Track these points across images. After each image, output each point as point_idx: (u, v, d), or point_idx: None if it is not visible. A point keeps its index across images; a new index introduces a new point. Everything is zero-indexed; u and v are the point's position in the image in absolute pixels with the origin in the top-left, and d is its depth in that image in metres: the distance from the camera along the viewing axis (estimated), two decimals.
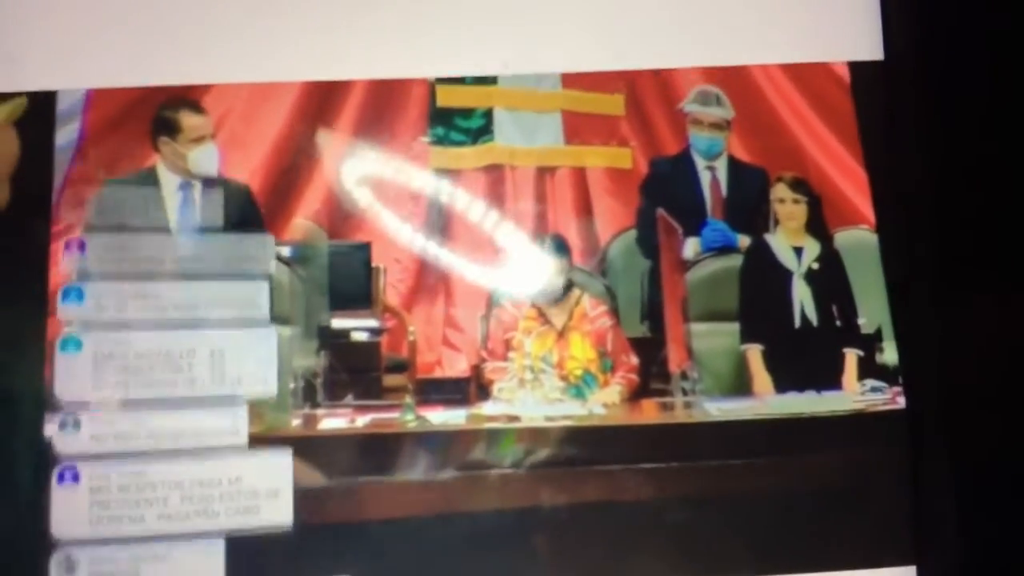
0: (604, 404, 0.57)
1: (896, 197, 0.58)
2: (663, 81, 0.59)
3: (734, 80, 0.59)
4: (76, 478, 0.51)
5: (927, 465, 0.56)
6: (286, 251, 0.56)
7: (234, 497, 0.52)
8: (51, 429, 0.52)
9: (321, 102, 0.57)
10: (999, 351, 0.57)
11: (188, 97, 0.56)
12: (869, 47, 0.59)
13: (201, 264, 0.54)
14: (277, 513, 0.52)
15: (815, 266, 0.59)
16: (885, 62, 0.59)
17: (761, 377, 0.58)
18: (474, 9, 0.57)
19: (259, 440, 0.53)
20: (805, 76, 0.59)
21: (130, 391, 0.52)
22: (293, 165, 0.56)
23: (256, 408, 0.54)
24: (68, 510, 0.51)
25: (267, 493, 0.52)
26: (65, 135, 0.55)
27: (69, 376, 0.52)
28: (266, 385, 0.53)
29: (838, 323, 0.59)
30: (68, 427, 0.51)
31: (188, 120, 0.56)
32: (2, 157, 0.53)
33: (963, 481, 0.55)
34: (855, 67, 0.59)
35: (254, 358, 0.53)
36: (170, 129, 0.56)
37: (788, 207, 0.59)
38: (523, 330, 0.58)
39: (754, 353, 0.58)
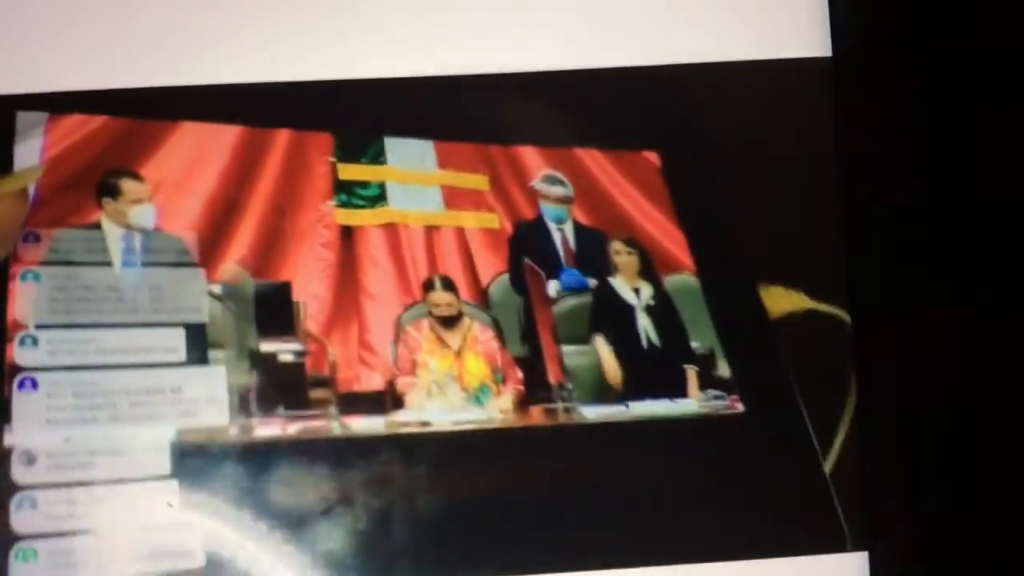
0: (500, 410, 0.67)
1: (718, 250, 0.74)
2: (516, 166, 0.73)
3: (571, 165, 0.74)
4: (35, 386, 0.57)
5: (877, 450, 0.65)
6: (217, 289, 0.64)
7: (177, 403, 0.60)
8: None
9: (244, 170, 0.68)
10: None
11: (128, 168, 0.66)
12: (817, 44, 0.72)
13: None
14: (216, 417, 0.61)
15: (652, 302, 0.73)
16: (833, 59, 0.71)
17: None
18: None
19: (197, 449, 0.61)
20: (626, 162, 0.75)
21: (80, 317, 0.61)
22: (222, 220, 0.66)
23: None
24: (28, 413, 0.59)
25: (206, 400, 0.60)
26: None
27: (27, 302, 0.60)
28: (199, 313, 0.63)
29: (676, 345, 0.72)
30: (27, 344, 0.57)
31: (128, 186, 0.65)
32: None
33: (914, 465, 0.63)
34: (662, 157, 0.76)
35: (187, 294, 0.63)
36: (112, 192, 0.65)
37: (623, 258, 0.73)
38: (426, 351, 0.67)
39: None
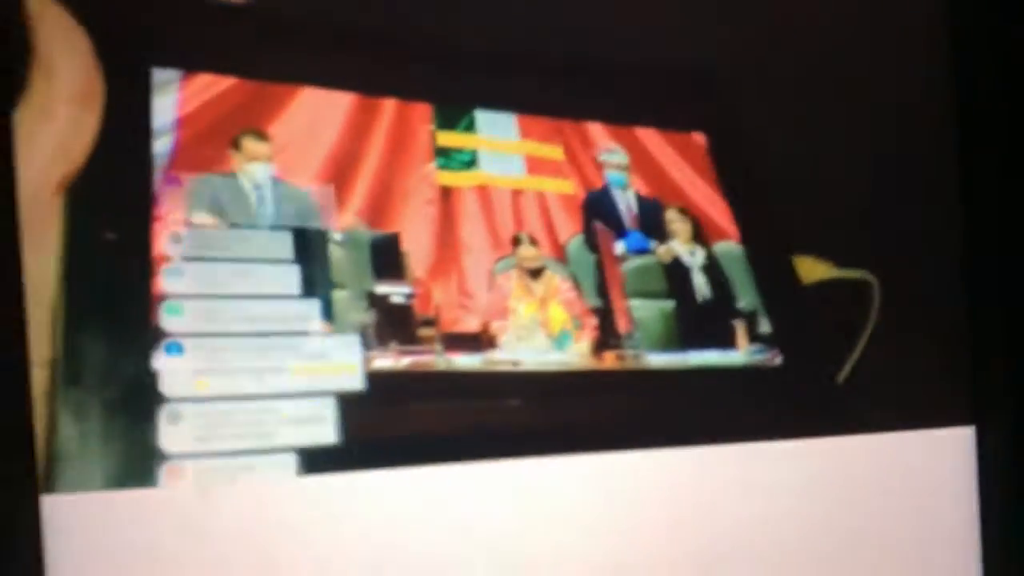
0: (579, 354, 0.76)
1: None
2: (585, 139, 0.82)
3: (629, 141, 0.83)
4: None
5: (984, 326, 0.70)
6: (338, 236, 0.72)
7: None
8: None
9: (358, 132, 0.75)
10: None
11: (256, 127, 0.72)
12: None
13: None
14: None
15: (705, 263, 0.82)
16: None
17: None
18: None
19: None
20: (677, 143, 0.84)
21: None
22: (339, 177, 0.74)
23: None
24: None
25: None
26: (161, 145, 0.70)
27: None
28: None
29: (726, 303, 0.81)
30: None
31: (249, 144, 0.72)
32: None
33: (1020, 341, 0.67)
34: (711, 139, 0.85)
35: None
36: (238, 148, 0.72)
37: (678, 225, 0.82)
38: (515, 298, 0.76)
39: None
